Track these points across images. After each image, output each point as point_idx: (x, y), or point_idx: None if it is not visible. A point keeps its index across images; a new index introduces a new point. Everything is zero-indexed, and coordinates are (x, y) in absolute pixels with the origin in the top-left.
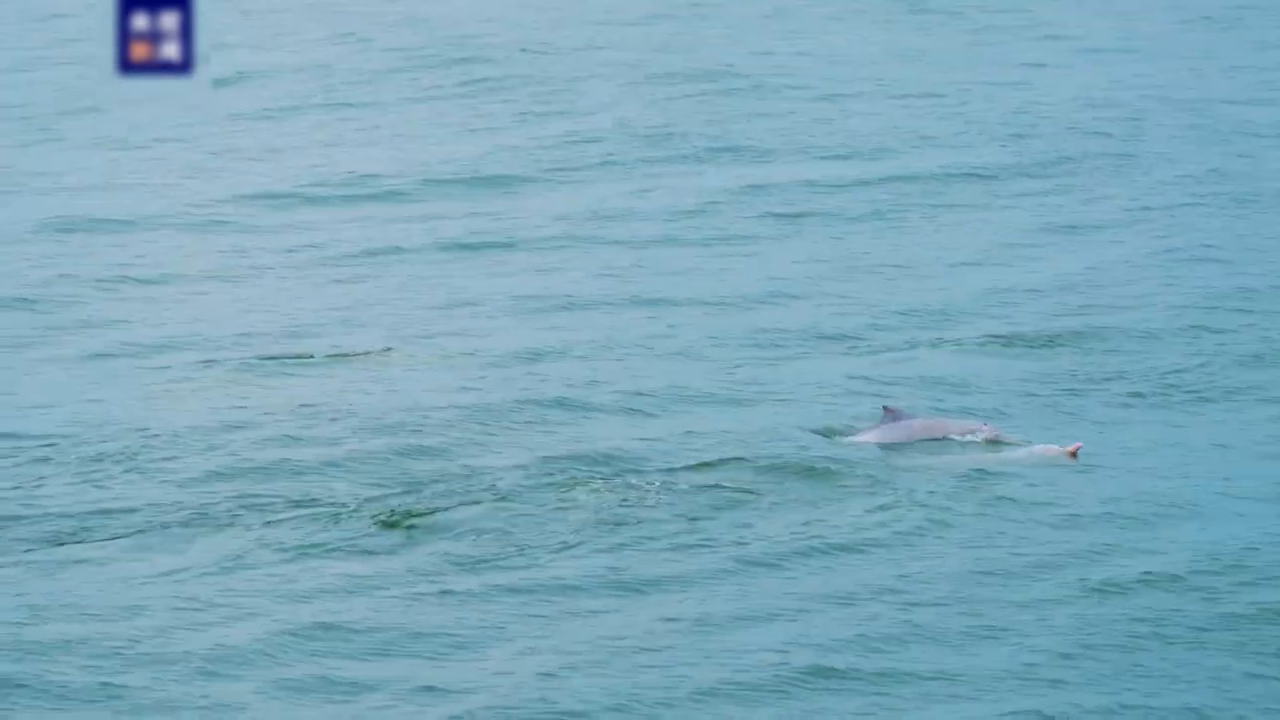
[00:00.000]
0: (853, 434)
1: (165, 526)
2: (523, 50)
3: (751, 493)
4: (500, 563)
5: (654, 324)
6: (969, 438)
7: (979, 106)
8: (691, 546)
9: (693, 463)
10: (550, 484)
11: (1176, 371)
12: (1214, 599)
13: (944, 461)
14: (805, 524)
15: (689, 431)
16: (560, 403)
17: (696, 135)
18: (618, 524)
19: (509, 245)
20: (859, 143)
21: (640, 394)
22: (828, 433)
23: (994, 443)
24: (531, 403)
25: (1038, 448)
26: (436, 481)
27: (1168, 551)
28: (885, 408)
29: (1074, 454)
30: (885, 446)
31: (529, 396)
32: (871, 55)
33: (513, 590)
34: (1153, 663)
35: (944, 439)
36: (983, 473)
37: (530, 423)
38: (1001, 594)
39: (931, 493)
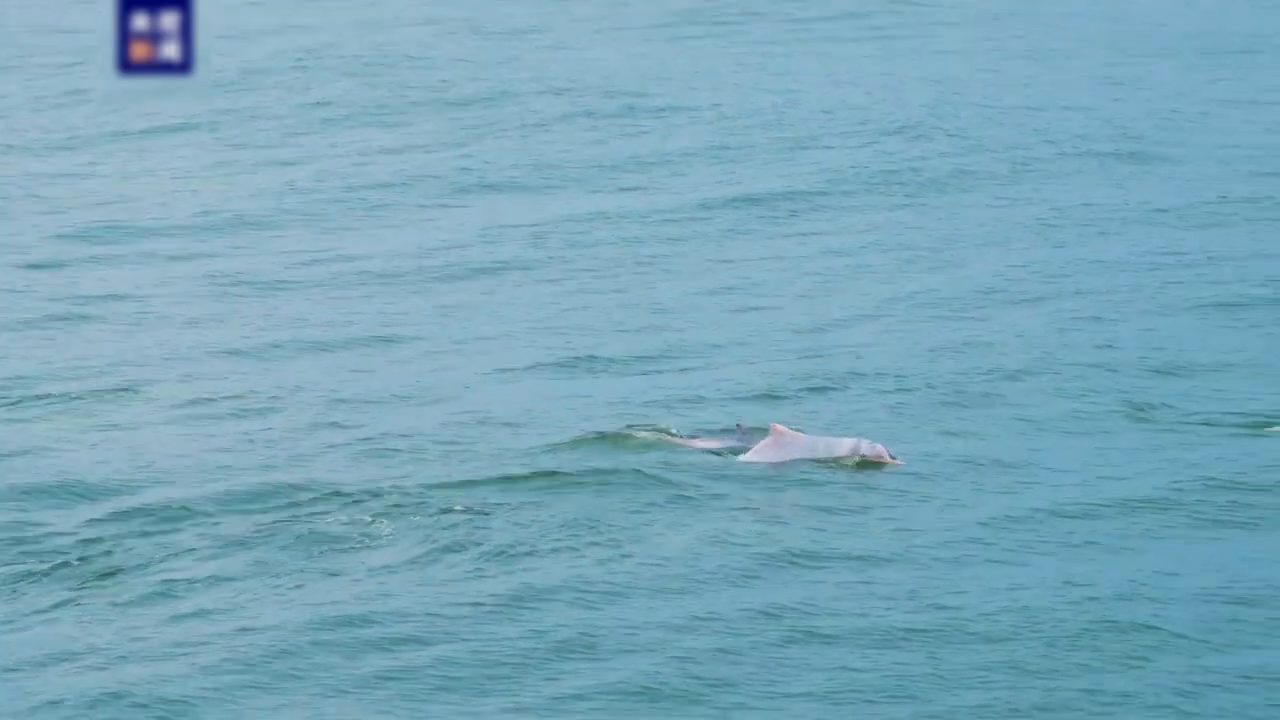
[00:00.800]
0: (696, 440)
1: None
2: (276, 77)
3: (486, 529)
4: (212, 612)
5: (393, 364)
6: (837, 455)
7: (745, 123)
8: (419, 586)
9: (429, 491)
10: (280, 524)
11: (936, 394)
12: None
13: (745, 483)
14: (554, 552)
15: (427, 466)
16: (297, 442)
17: (454, 170)
18: (344, 565)
19: (253, 283)
20: (618, 170)
21: (379, 429)
22: (584, 451)
23: (864, 462)
24: (266, 443)
25: (864, 444)
26: (160, 524)
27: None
28: (738, 424)
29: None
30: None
31: (266, 437)
32: (635, 71)
33: (229, 651)
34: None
35: (802, 458)
36: (785, 493)
37: (264, 462)
38: (730, 641)
39: (713, 520)
